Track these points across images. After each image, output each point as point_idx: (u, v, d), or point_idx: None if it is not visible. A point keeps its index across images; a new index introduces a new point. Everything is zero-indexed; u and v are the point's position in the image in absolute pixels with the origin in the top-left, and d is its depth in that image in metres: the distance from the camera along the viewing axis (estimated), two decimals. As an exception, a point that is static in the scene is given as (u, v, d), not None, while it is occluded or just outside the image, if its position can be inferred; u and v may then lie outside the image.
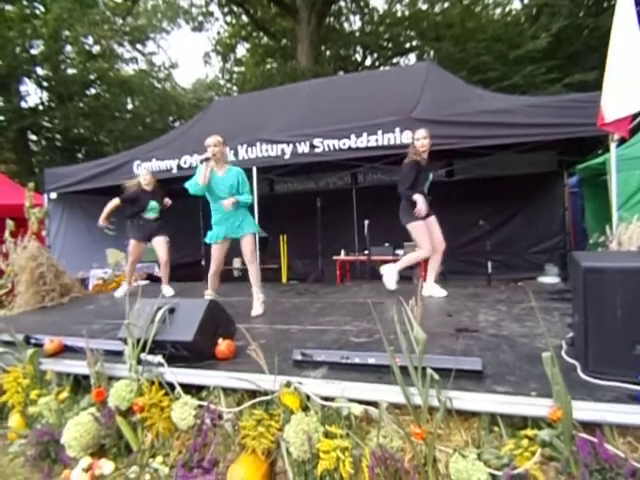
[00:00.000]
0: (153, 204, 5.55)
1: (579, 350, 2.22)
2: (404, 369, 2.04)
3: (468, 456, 1.84)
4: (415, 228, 4.43)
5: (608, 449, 1.70)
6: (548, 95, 7.39)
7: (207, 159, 4.00)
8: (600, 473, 1.66)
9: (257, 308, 4.17)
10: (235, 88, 21.76)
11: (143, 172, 5.67)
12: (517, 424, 1.96)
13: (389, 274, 4.69)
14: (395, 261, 4.99)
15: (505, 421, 1.97)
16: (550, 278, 5.71)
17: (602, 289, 2.02)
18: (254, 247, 4.25)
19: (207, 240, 4.28)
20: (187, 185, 4.10)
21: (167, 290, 5.49)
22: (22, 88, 16.52)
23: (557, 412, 1.76)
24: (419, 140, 4.32)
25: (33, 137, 17.58)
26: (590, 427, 1.81)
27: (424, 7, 18.68)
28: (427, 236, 4.41)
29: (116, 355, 2.88)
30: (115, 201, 5.52)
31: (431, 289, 4.50)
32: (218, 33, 21.85)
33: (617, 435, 1.81)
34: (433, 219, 4.51)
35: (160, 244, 5.57)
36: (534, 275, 6.01)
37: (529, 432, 1.86)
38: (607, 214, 4.03)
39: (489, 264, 5.43)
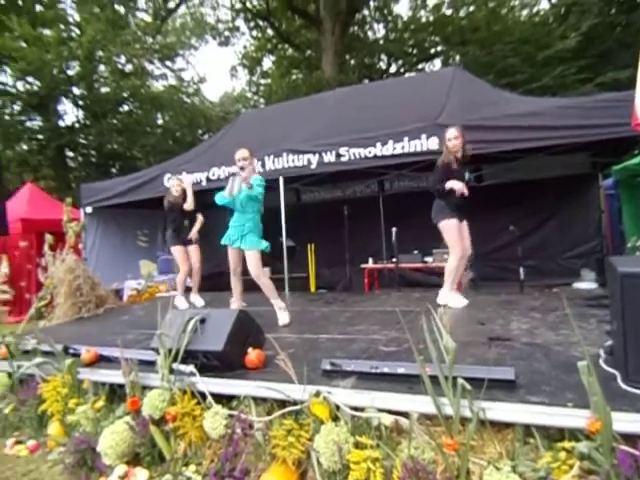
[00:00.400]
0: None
1: (618, 359, 2.14)
2: (434, 379, 2.01)
3: (502, 468, 1.79)
4: (446, 228, 4.30)
5: (651, 462, 1.62)
6: (579, 96, 7.19)
7: (233, 174, 4.20)
8: (643, 488, 1.59)
9: (282, 317, 4.19)
10: (262, 100, 22.12)
11: (175, 182, 5.75)
12: (553, 436, 1.89)
13: (448, 299, 4.37)
14: (423, 269, 4.89)
15: (541, 433, 1.91)
16: (586, 284, 5.50)
17: (641, 295, 1.95)
18: (256, 263, 4.16)
19: None
20: (216, 196, 4.31)
21: (197, 300, 5.58)
22: (60, 107, 17.34)
23: (595, 423, 1.70)
24: (450, 140, 4.26)
25: (70, 154, 18.33)
26: (632, 439, 1.72)
27: (449, 12, 18.56)
28: (458, 237, 4.28)
29: (149, 365, 2.94)
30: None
31: (447, 298, 4.38)
32: (244, 47, 22.43)
33: (661, 448, 1.73)
34: (465, 225, 4.40)
35: (194, 251, 5.70)
36: (569, 281, 5.81)
37: (566, 444, 1.80)
38: (645, 216, 3.89)
39: (521, 270, 5.29)
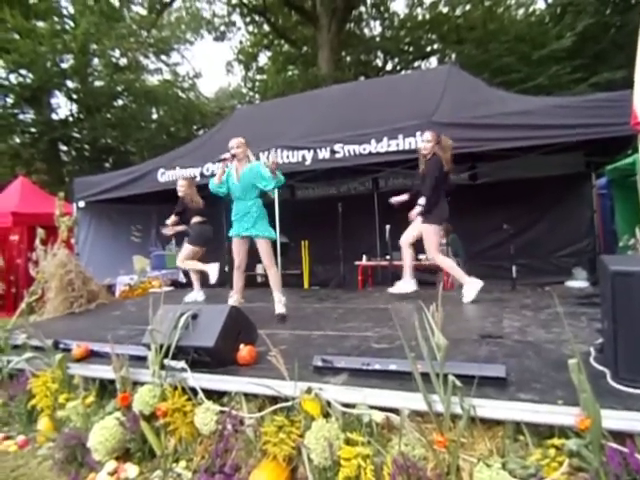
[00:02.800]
0: None
1: (609, 357, 2.16)
2: (426, 376, 2.01)
3: (492, 465, 1.79)
4: None
5: (639, 459, 1.63)
6: (574, 95, 7.21)
7: (224, 159, 4.18)
8: (631, 485, 1.60)
9: (279, 308, 4.21)
10: (257, 96, 21.98)
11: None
12: (543, 433, 1.91)
13: (471, 291, 4.42)
14: (417, 267, 5.00)
15: (530, 430, 1.92)
16: (579, 282, 5.53)
17: (631, 293, 1.96)
18: (270, 252, 4.21)
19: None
20: (210, 183, 4.32)
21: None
22: (53, 101, 17.15)
23: (585, 421, 1.71)
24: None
25: (63, 148, 18.10)
26: (620, 437, 1.74)
27: (445, 10, 18.54)
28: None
29: (141, 360, 2.92)
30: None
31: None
32: (240, 42, 22.22)
33: (649, 445, 1.74)
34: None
35: None
36: (562, 279, 5.83)
37: (556, 441, 1.81)
38: (638, 216, 3.91)
39: (513, 268, 5.31)
